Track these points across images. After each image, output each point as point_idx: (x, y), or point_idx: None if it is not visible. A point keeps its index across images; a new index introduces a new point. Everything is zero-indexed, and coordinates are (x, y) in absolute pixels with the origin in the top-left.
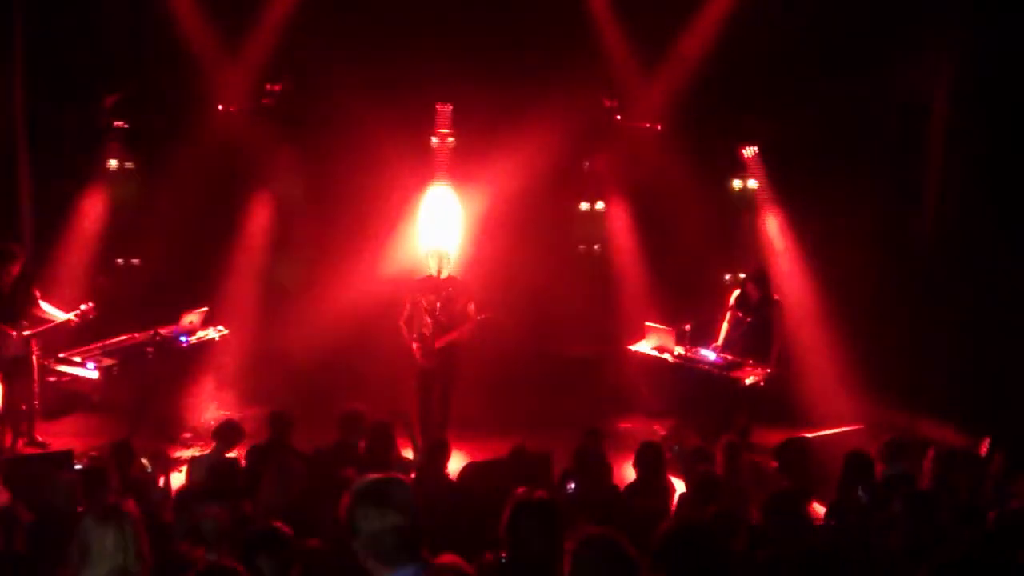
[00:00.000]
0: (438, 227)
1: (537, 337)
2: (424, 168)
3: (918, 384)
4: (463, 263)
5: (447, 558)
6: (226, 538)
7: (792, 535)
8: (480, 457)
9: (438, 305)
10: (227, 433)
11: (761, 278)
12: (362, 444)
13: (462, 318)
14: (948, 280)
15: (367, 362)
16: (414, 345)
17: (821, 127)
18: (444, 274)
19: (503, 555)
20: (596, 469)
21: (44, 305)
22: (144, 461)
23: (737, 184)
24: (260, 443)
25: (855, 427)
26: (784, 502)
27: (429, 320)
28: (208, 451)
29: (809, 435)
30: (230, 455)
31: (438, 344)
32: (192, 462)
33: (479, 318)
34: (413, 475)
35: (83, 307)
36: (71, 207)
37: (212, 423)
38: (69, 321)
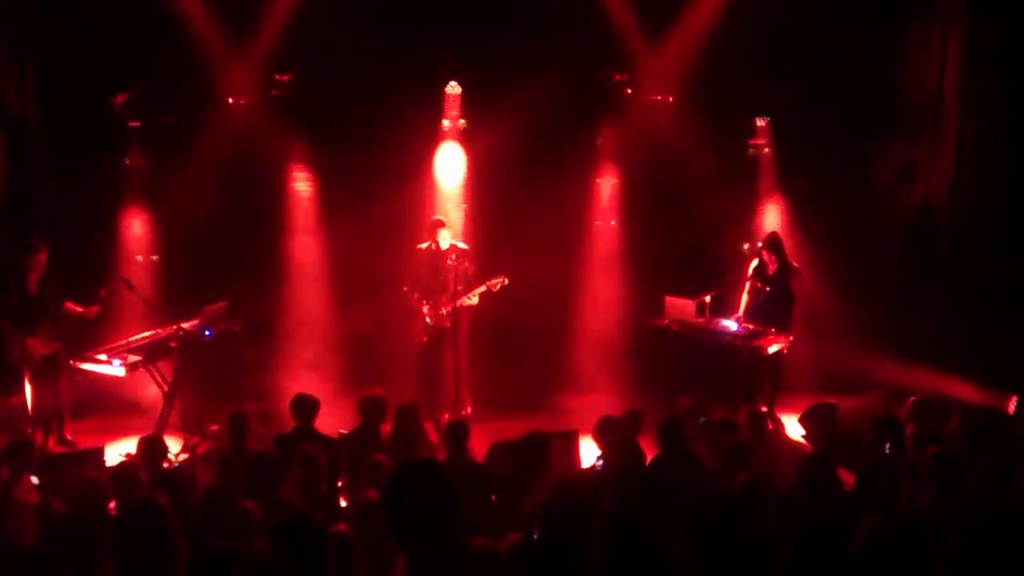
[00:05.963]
0: (446, 198)
1: (552, 312)
2: (435, 147)
3: (940, 345)
4: (472, 233)
5: (479, 542)
6: (257, 530)
7: (826, 500)
8: (501, 436)
9: (448, 267)
10: (235, 426)
11: (775, 245)
12: (384, 428)
13: (468, 282)
14: (967, 240)
15: (384, 343)
16: (425, 308)
17: (834, 97)
18: (446, 243)
19: (534, 533)
20: (632, 454)
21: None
22: (172, 456)
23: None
24: (286, 432)
25: (880, 391)
26: (817, 467)
27: (436, 285)
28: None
29: (834, 401)
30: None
31: (447, 307)
32: (220, 455)
33: (498, 282)
34: (442, 458)
35: (102, 292)
36: (90, 208)
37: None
38: (93, 310)
